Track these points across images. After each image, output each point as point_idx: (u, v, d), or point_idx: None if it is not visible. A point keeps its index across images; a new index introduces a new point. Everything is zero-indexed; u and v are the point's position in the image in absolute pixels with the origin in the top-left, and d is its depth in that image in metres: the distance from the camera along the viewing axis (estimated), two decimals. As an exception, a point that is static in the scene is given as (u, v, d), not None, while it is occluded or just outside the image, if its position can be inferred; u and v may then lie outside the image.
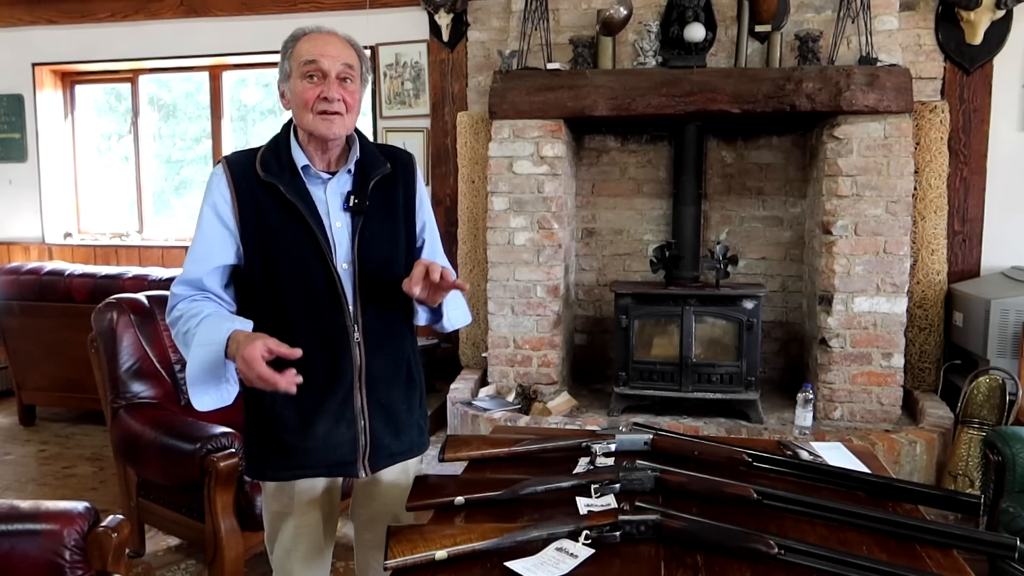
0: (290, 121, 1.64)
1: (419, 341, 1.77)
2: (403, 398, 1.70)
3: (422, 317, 1.68)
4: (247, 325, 1.51)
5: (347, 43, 1.59)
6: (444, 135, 4.51)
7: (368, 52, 1.67)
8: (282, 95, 1.61)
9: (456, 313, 1.69)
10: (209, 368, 1.47)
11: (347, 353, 1.58)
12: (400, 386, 1.69)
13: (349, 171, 1.62)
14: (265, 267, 1.57)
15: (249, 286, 1.59)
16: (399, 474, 1.71)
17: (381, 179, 1.64)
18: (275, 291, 1.57)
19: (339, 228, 1.59)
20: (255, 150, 1.62)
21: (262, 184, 1.56)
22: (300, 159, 1.58)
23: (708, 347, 3.64)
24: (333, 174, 1.61)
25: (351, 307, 1.58)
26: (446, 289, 1.54)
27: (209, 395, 1.51)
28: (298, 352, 1.43)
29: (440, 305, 1.62)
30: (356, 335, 1.58)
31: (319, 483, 1.68)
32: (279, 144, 1.61)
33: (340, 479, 1.74)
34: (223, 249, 1.57)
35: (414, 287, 1.49)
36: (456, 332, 4.40)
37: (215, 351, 1.46)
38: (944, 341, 3.86)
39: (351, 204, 1.59)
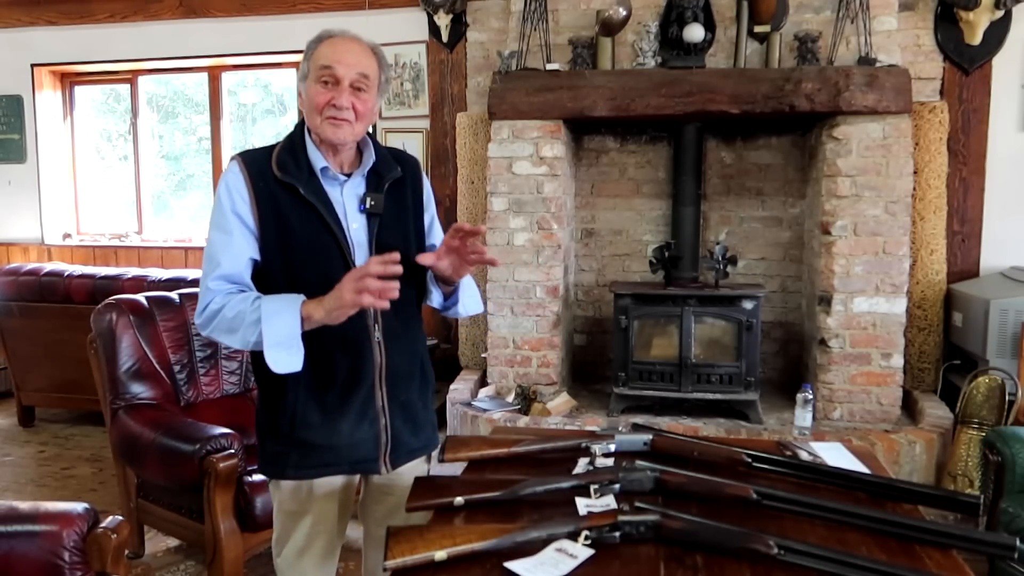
0: (302, 121, 1.64)
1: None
2: (419, 395, 1.74)
3: (435, 299, 1.71)
4: (300, 299, 1.50)
5: (368, 50, 1.59)
6: (443, 136, 4.51)
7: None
8: (299, 94, 1.63)
9: (470, 300, 1.74)
10: (288, 328, 1.46)
11: (368, 352, 1.61)
12: (416, 383, 1.73)
13: (363, 174, 1.64)
14: (285, 266, 1.57)
15: (269, 285, 1.58)
16: (415, 469, 1.74)
17: (394, 182, 1.67)
18: (295, 291, 1.56)
19: (356, 229, 1.61)
20: (269, 149, 1.62)
21: (280, 184, 1.57)
22: (319, 161, 1.60)
23: (707, 347, 3.64)
24: (348, 176, 1.63)
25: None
26: (471, 263, 1.57)
27: (286, 356, 1.48)
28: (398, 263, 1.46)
29: (456, 289, 1.67)
30: (376, 334, 1.61)
31: (337, 479, 1.69)
32: (294, 144, 1.61)
33: (357, 476, 1.75)
34: (250, 245, 1.57)
35: (440, 258, 1.56)
36: (456, 332, 4.40)
37: (291, 312, 1.46)
38: (943, 341, 3.86)
39: (368, 206, 1.61)
